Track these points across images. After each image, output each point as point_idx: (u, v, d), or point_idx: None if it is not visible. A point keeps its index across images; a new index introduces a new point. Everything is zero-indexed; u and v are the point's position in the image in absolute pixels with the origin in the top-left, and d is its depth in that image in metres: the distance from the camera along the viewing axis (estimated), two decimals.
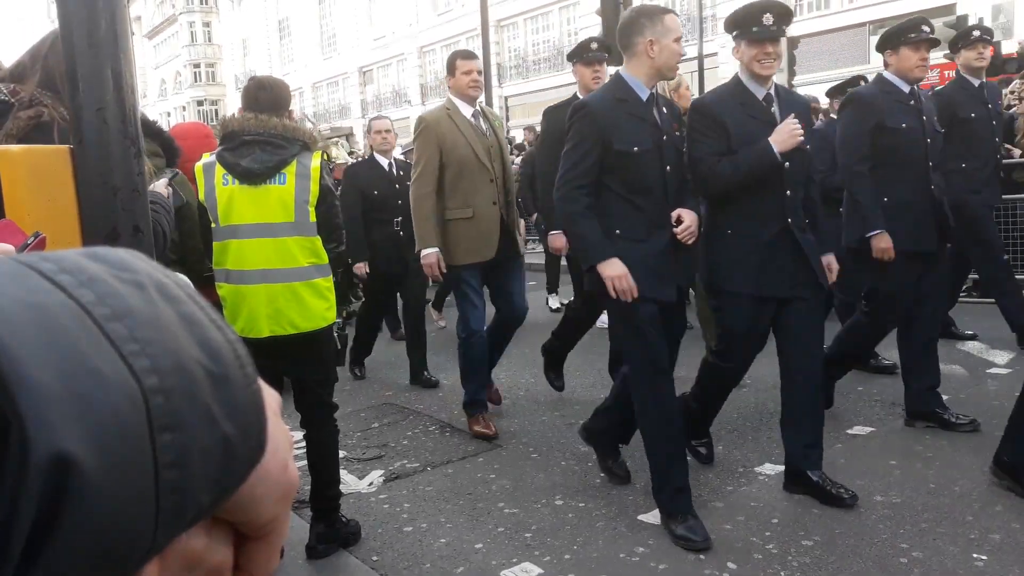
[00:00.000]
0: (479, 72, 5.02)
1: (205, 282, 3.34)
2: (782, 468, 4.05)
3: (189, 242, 3.52)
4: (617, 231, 3.42)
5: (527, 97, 30.74)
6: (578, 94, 5.14)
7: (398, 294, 6.62)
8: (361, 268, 6.10)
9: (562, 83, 29.97)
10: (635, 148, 3.37)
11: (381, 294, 6.43)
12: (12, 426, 0.29)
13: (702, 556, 3.25)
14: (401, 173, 6.12)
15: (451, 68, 4.96)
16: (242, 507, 0.38)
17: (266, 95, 3.34)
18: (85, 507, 0.30)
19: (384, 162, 6.23)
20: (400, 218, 5.92)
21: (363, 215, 6.06)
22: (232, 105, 42.65)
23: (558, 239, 5.10)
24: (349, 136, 9.41)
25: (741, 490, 3.85)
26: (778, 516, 3.54)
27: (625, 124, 3.40)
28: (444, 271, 4.76)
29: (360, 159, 8.04)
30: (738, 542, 3.35)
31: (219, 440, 0.35)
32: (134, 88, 1.73)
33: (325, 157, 8.40)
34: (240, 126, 3.23)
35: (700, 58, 17.20)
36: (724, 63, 24.45)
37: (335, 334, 3.64)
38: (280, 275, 3.25)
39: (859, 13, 21.67)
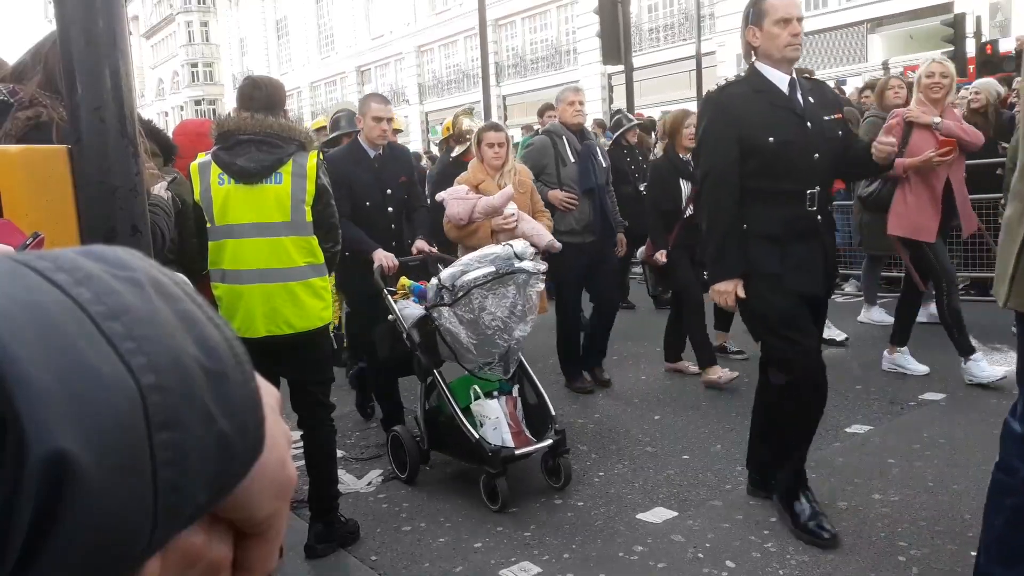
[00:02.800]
0: None
1: (202, 281, 3.34)
2: None
3: (187, 242, 3.52)
4: None
5: (525, 96, 30.71)
6: None
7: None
8: None
9: (560, 82, 29.99)
10: None
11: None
12: (9, 425, 0.29)
13: (700, 555, 3.25)
14: (811, 101, 3.33)
15: None
16: (240, 504, 0.39)
17: (261, 94, 3.34)
18: (83, 505, 0.30)
19: (782, 81, 3.31)
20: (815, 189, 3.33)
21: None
22: (230, 105, 42.55)
23: None
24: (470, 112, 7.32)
25: (739, 489, 3.85)
26: (776, 515, 3.54)
27: None
28: None
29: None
30: (736, 540, 3.35)
31: (217, 437, 0.35)
32: (132, 88, 1.73)
33: (462, 130, 6.56)
34: (236, 125, 3.22)
35: (698, 56, 17.20)
36: (722, 62, 24.48)
37: (331, 334, 3.64)
38: (276, 275, 3.25)
39: (857, 11, 21.69)
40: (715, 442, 4.48)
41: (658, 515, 3.62)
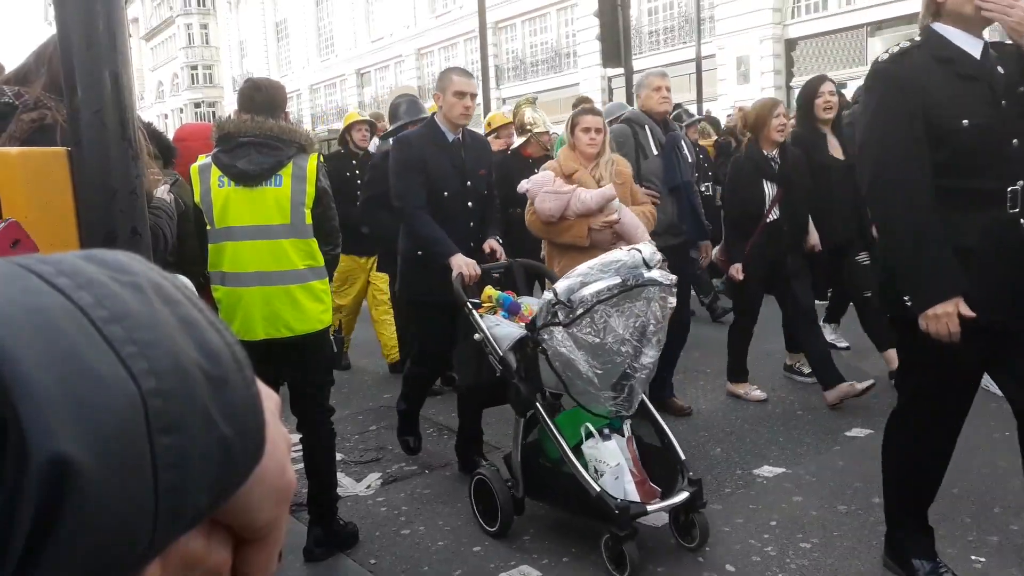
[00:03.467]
0: None
1: (202, 285, 3.34)
2: (780, 470, 4.05)
3: (187, 243, 3.52)
4: None
5: None
6: None
7: None
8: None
9: (560, 84, 30.02)
10: None
11: None
12: (11, 427, 0.29)
13: (700, 559, 3.25)
14: (1001, 71, 2.65)
15: None
16: (240, 509, 0.39)
17: (261, 96, 3.34)
18: (84, 509, 0.30)
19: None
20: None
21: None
22: (230, 107, 42.73)
23: None
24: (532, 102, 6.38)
25: (739, 492, 3.85)
26: (776, 518, 3.54)
27: None
28: None
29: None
30: (736, 544, 3.34)
31: (218, 442, 0.35)
32: (132, 90, 1.73)
33: (523, 121, 5.84)
34: (236, 128, 3.23)
35: (698, 59, 17.22)
36: (722, 65, 24.50)
37: (331, 337, 3.63)
38: (276, 277, 3.24)
39: (857, 15, 21.71)
40: (715, 446, 4.48)
41: (657, 518, 3.61)
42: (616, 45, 11.95)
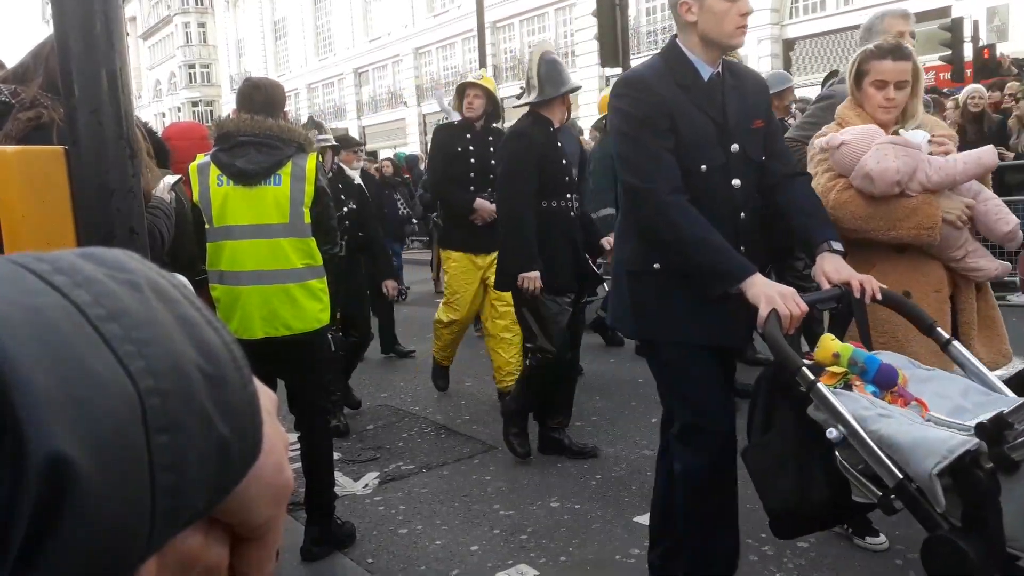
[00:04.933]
0: None
1: (199, 285, 3.34)
2: None
3: (183, 243, 3.52)
4: None
5: None
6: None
7: None
8: None
9: None
10: None
11: None
12: (8, 427, 0.29)
13: None
14: None
15: None
16: (237, 508, 0.39)
17: (260, 96, 3.34)
18: (81, 508, 0.30)
19: None
20: None
21: None
22: (227, 106, 42.68)
23: None
24: None
25: None
26: None
27: None
28: None
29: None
30: None
31: (215, 441, 0.35)
32: (129, 90, 1.73)
33: None
34: (235, 127, 3.23)
35: None
36: None
37: (329, 337, 3.63)
38: (274, 276, 3.25)
39: (854, 15, 21.71)
40: None
41: None
42: (614, 45, 11.95)
